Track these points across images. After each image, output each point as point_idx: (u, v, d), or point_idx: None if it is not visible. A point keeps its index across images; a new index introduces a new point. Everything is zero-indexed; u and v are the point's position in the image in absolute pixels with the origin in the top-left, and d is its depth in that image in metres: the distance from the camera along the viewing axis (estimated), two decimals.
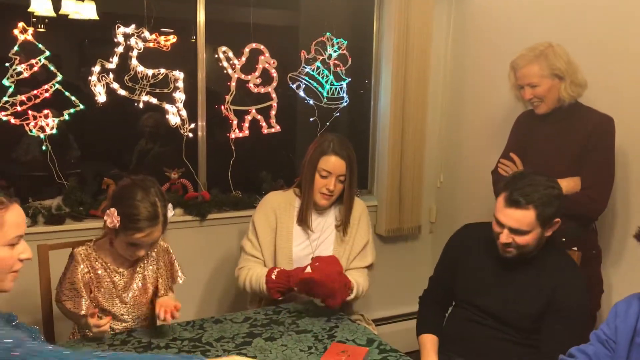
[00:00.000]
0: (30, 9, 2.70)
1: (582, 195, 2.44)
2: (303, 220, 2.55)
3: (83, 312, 2.01)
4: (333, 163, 2.46)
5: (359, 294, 2.41)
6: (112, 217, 1.99)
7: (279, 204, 2.59)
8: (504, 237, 2.08)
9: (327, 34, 3.39)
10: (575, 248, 2.38)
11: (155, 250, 2.22)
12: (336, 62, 3.44)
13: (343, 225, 2.57)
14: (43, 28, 2.92)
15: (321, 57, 3.39)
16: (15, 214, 1.57)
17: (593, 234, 2.57)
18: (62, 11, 2.80)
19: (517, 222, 2.05)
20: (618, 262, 2.67)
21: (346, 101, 3.50)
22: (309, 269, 2.20)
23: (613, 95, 2.63)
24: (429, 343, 2.25)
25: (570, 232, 2.47)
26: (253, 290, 2.44)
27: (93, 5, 2.88)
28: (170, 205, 2.09)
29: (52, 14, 2.76)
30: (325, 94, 3.43)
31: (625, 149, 2.58)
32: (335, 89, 3.46)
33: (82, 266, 2.07)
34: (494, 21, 3.37)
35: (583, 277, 2.14)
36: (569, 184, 2.45)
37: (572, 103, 2.50)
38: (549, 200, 2.05)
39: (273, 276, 2.33)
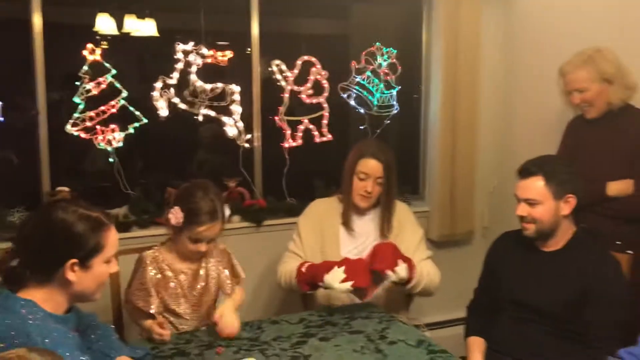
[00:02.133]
0: (95, 28, 2.86)
1: (635, 197, 2.43)
2: (345, 222, 2.63)
3: (153, 310, 2.16)
4: (370, 165, 2.53)
5: (423, 279, 2.45)
6: (176, 215, 2.17)
7: (324, 210, 2.69)
8: (520, 209, 2.17)
9: (377, 43, 3.45)
10: (630, 251, 2.37)
11: (216, 251, 2.36)
12: (386, 71, 3.49)
13: (382, 229, 2.62)
14: (106, 45, 3.08)
15: (371, 67, 3.45)
16: (114, 234, 1.69)
17: None
18: (125, 29, 2.96)
19: (529, 191, 2.13)
20: None
21: (396, 109, 3.54)
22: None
23: None
24: (475, 344, 2.32)
25: (625, 235, 2.47)
26: (286, 283, 2.54)
27: (153, 23, 3.02)
28: (227, 205, 2.28)
29: (115, 32, 2.92)
30: (375, 103, 3.48)
31: None
32: (386, 97, 3.51)
33: (150, 268, 2.23)
34: (544, 25, 3.37)
35: (618, 265, 2.15)
36: (621, 187, 2.45)
37: (623, 106, 2.50)
38: (560, 173, 2.13)
39: (303, 269, 2.42)
